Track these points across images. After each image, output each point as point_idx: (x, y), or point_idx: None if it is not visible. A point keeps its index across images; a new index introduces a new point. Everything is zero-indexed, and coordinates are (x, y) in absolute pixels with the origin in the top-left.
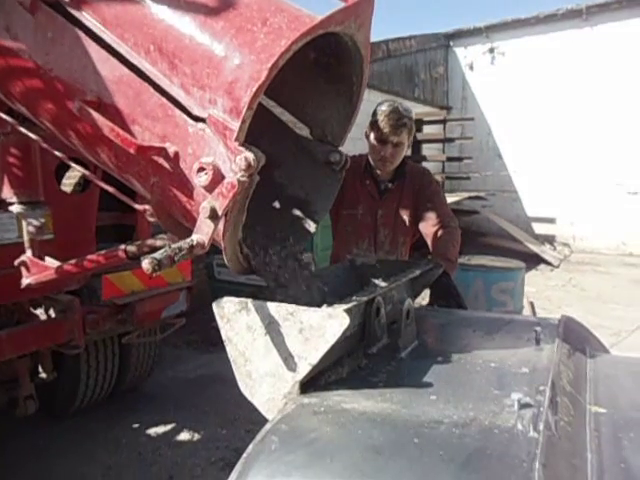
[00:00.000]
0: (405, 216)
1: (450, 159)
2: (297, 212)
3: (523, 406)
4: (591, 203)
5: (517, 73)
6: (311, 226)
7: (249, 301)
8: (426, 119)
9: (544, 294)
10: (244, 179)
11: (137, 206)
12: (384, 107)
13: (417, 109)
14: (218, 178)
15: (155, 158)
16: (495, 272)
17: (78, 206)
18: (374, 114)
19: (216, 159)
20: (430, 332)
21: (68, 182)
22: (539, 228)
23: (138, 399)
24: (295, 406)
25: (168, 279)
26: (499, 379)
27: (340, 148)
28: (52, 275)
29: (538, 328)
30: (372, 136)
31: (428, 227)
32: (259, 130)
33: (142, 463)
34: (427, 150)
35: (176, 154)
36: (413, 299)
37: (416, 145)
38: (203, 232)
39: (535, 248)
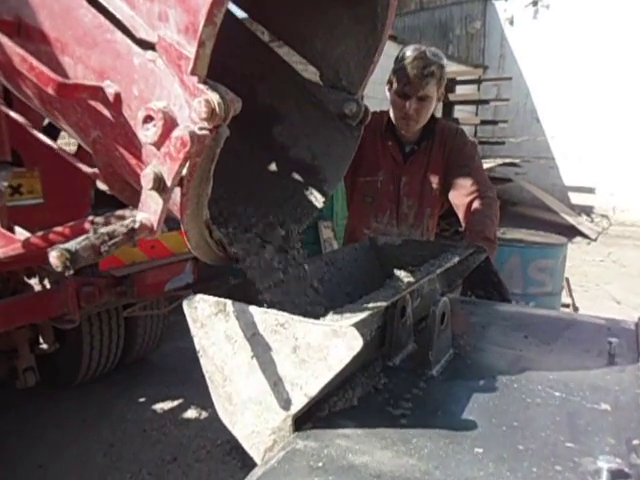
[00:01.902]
0: (434, 184)
1: (484, 122)
2: (301, 180)
3: (615, 476)
4: (634, 172)
5: (563, 29)
6: (318, 199)
7: (228, 303)
8: (459, 79)
9: (580, 269)
10: (204, 132)
11: (85, 168)
12: (409, 52)
13: (450, 67)
14: (171, 131)
15: (92, 103)
16: (534, 248)
17: (72, 168)
18: (398, 59)
19: (170, 103)
20: (468, 337)
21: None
22: (576, 198)
23: (145, 371)
24: (284, 453)
25: (173, 249)
26: (570, 421)
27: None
28: (19, 249)
29: (613, 339)
30: (394, 88)
31: (460, 197)
32: (258, 74)
33: (146, 441)
34: (459, 112)
35: (117, 97)
36: (448, 292)
37: (448, 106)
38: (149, 210)
39: (571, 219)
